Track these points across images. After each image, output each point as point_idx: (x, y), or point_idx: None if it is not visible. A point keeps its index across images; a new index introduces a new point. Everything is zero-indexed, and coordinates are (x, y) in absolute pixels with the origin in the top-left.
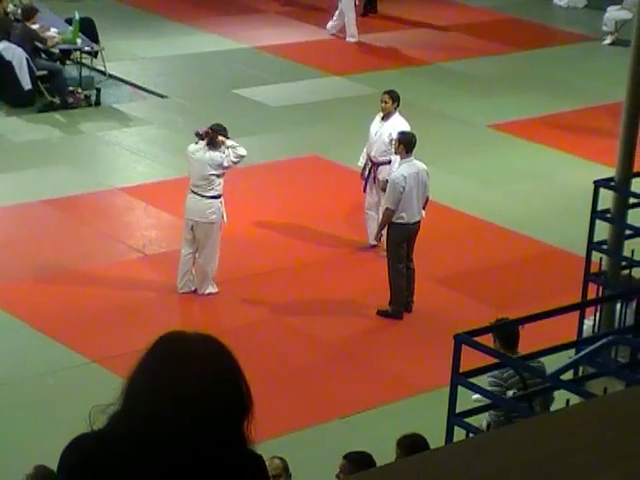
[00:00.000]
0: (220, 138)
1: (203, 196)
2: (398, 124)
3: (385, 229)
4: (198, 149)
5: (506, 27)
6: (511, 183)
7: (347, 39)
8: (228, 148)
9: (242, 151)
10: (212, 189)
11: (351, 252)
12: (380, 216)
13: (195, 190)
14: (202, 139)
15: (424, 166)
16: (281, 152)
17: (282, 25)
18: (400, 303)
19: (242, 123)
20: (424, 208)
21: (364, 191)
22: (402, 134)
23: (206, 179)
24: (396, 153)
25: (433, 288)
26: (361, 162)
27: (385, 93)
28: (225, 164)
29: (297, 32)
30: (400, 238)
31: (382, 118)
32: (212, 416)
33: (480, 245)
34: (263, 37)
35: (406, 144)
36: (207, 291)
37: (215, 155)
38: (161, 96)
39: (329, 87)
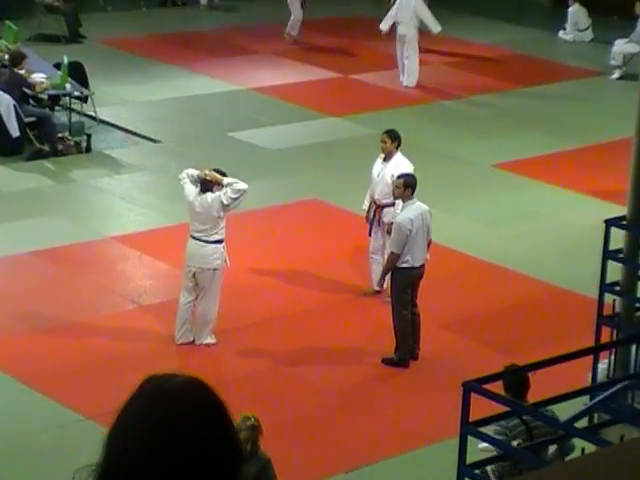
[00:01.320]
0: (214, 178)
1: (206, 242)
2: (400, 164)
3: (389, 274)
4: (196, 194)
5: (512, 63)
6: (517, 223)
7: (406, 83)
8: (226, 186)
9: (241, 185)
10: (216, 233)
11: (354, 298)
12: (385, 260)
13: (197, 236)
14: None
15: (426, 207)
16: (280, 196)
17: (277, 66)
18: (406, 350)
19: (238, 167)
20: (427, 250)
21: (369, 235)
22: (404, 177)
23: (210, 223)
24: (397, 197)
25: (438, 333)
26: (365, 205)
27: (384, 133)
28: (225, 202)
29: (293, 73)
30: (405, 283)
31: (384, 159)
32: (200, 467)
33: (485, 288)
34: (258, 78)
35: (411, 186)
36: (205, 341)
37: (215, 197)
38: (154, 141)
39: (327, 128)
